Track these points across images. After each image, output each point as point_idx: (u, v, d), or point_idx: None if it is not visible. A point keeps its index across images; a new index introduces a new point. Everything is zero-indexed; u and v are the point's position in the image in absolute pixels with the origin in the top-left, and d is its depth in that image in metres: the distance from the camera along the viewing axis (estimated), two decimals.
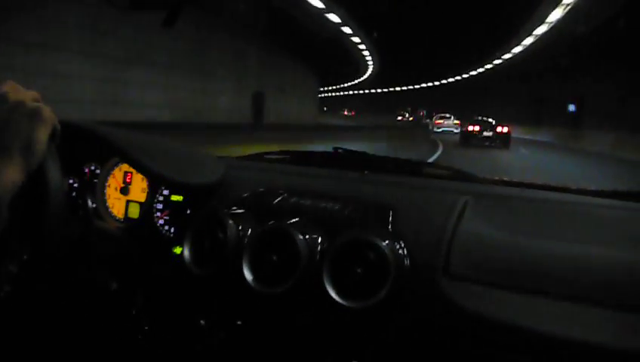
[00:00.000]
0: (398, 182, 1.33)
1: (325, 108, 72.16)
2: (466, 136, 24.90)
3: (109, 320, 1.21)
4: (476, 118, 25.15)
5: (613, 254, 0.94)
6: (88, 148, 1.39)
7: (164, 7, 0.84)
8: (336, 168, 1.47)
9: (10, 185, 0.79)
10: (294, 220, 1.09)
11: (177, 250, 1.22)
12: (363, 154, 1.54)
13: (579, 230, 1.06)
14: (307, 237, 1.04)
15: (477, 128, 24.64)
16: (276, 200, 1.21)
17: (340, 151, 1.60)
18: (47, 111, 0.86)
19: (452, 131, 35.76)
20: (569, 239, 1.01)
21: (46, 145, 0.85)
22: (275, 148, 1.77)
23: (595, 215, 1.13)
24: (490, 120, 24.58)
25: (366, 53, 33.81)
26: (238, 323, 1.11)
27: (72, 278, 1.15)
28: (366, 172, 1.39)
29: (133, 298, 1.24)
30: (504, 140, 23.33)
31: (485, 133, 24.12)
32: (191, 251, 1.14)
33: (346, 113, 78.46)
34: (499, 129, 24.04)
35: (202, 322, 1.15)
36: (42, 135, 0.84)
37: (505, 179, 1.38)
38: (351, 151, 1.58)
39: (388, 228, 1.07)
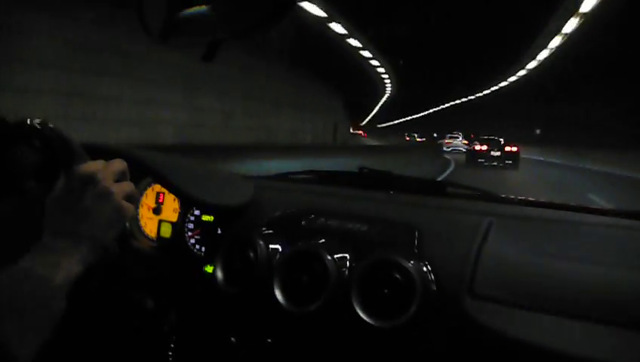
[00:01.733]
0: (423, 203, 1.35)
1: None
2: (472, 155, 24.14)
3: (145, 338, 1.23)
4: (484, 137, 24.31)
5: (631, 274, 0.95)
6: None
7: (199, 43, 0.87)
8: (362, 188, 1.49)
9: (73, 276, 0.76)
10: (323, 241, 1.12)
11: (208, 269, 1.25)
12: (388, 174, 1.56)
13: (603, 251, 1.06)
14: (335, 257, 1.07)
15: (484, 147, 23.82)
16: (304, 221, 1.23)
17: (365, 170, 1.62)
18: (131, 208, 0.84)
19: (460, 150, 38.05)
20: (593, 261, 1.01)
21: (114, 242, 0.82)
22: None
23: (619, 236, 1.14)
24: (498, 138, 23.71)
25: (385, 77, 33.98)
26: (268, 341, 1.13)
27: (110, 297, 1.17)
28: (391, 192, 1.42)
29: (166, 316, 1.27)
30: (513, 160, 22.48)
31: (493, 153, 23.20)
32: (222, 270, 1.17)
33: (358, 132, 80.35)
34: (507, 148, 23.15)
35: (233, 339, 1.18)
36: (114, 230, 0.82)
37: (529, 199, 1.39)
38: (376, 171, 1.60)
39: (414, 249, 1.09)
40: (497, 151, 23.35)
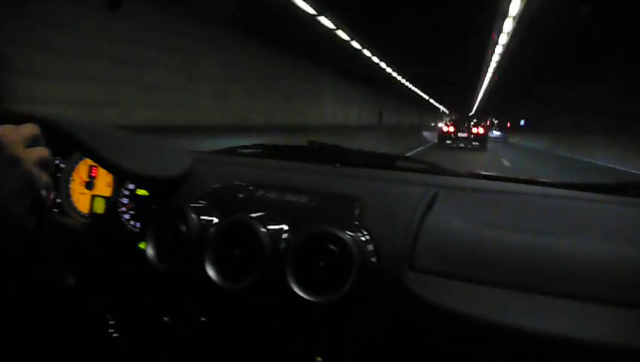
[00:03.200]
0: (370, 176, 1.32)
1: None
2: (441, 137, 24.78)
3: (68, 317, 1.17)
4: (453, 118, 25.16)
5: (577, 244, 0.94)
6: (51, 142, 1.34)
7: None
8: (309, 161, 1.45)
9: None
10: (258, 213, 1.06)
11: (143, 246, 1.19)
12: (336, 147, 1.53)
13: (546, 221, 1.05)
14: (270, 229, 1.02)
15: (452, 129, 24.55)
16: (242, 194, 1.18)
17: (314, 144, 1.58)
18: (43, 176, 0.76)
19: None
20: (536, 231, 1.00)
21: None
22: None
23: (563, 206, 1.13)
24: (466, 119, 24.76)
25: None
26: (202, 319, 1.08)
27: (27, 275, 1.10)
28: (338, 165, 1.38)
29: (96, 295, 1.21)
30: (480, 141, 23.24)
31: (460, 134, 24.01)
32: (154, 246, 1.10)
33: None
34: (474, 130, 23.97)
35: (166, 319, 1.12)
36: (24, 200, 0.73)
37: (477, 172, 1.38)
38: (324, 144, 1.57)
39: (354, 221, 1.05)
40: (465, 132, 23.92)
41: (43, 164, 0.77)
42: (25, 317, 1.14)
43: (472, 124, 25.04)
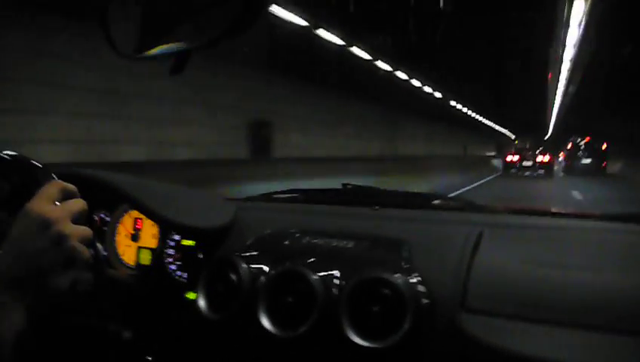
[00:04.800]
0: (408, 216, 1.32)
1: None
2: (505, 166, 24.57)
3: None
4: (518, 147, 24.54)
5: (629, 280, 0.92)
6: (96, 196, 1.41)
7: (171, 56, 0.85)
8: (346, 204, 1.46)
9: (18, 326, 0.70)
10: (308, 261, 1.08)
11: (191, 296, 1.21)
12: (371, 188, 1.54)
13: (593, 256, 1.04)
14: (322, 276, 1.03)
15: (516, 158, 24.29)
16: (289, 241, 1.20)
17: (348, 186, 1.59)
18: (85, 252, 0.76)
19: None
20: (584, 266, 0.99)
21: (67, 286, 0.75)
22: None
23: (607, 240, 1.11)
24: (530, 147, 23.99)
25: None
26: None
27: (85, 328, 1.14)
28: (376, 207, 1.39)
29: (148, 346, 1.22)
30: (546, 169, 22.88)
31: (525, 163, 23.68)
32: (204, 296, 1.13)
33: None
34: (539, 158, 23.54)
35: None
36: (66, 276, 0.74)
37: (515, 207, 1.36)
38: (359, 186, 1.58)
39: (402, 265, 1.05)
40: (529, 160, 23.66)
41: (85, 241, 0.77)
42: None
43: (537, 152, 24.59)
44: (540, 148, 28.74)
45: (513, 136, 62.18)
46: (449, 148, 30.48)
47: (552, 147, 31.59)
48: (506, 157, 26.99)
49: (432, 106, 23.17)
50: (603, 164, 24.63)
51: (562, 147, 28.01)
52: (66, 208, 0.76)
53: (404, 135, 23.59)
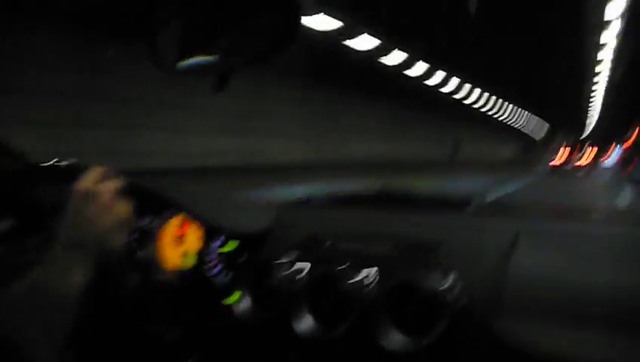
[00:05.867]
0: (444, 221, 1.33)
1: None
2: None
3: None
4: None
5: None
6: (141, 203, 1.46)
7: (214, 73, 0.88)
8: (382, 209, 1.48)
9: (81, 283, 0.83)
10: (345, 264, 1.11)
11: (232, 299, 1.26)
12: (406, 194, 1.55)
13: (632, 261, 1.03)
14: (359, 280, 1.06)
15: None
16: (327, 245, 1.23)
17: (384, 191, 1.61)
18: (122, 205, 0.90)
19: None
20: (626, 272, 0.98)
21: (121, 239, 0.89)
22: None
23: None
24: None
25: None
26: None
27: (133, 330, 1.18)
28: (410, 211, 1.40)
29: (191, 348, 1.27)
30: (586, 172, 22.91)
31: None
32: (246, 298, 1.18)
33: None
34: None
35: None
36: (118, 233, 0.89)
37: (551, 210, 1.36)
38: (394, 191, 1.59)
39: (437, 268, 1.08)
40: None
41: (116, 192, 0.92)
42: None
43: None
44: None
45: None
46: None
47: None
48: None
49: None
50: None
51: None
52: (107, 184, 0.91)
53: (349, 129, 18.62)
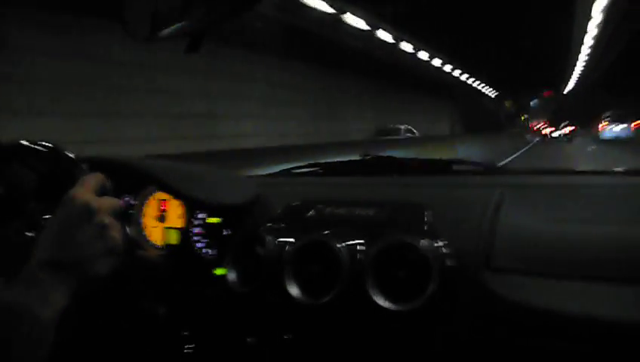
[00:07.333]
0: (429, 182, 1.33)
1: None
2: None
3: (162, 343, 1.23)
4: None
5: None
6: (121, 180, 1.43)
7: (186, 35, 0.86)
8: (366, 174, 1.47)
9: (60, 309, 0.73)
10: (332, 230, 1.10)
11: (219, 272, 1.24)
12: (390, 158, 1.54)
13: (613, 210, 1.05)
14: (346, 245, 1.05)
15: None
16: (311, 212, 1.22)
17: (367, 157, 1.60)
18: (117, 229, 0.80)
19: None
20: (604, 220, 1.00)
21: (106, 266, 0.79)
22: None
23: (627, 194, 1.12)
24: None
25: None
26: (286, 337, 1.12)
27: (121, 308, 1.16)
28: (395, 175, 1.39)
29: (183, 322, 1.26)
30: (568, 138, 30.06)
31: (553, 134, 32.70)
32: (233, 270, 1.16)
33: None
34: (565, 130, 32.00)
35: (250, 340, 1.16)
36: (107, 260, 0.78)
37: (534, 168, 1.37)
38: (378, 156, 1.58)
39: (425, 228, 1.07)
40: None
41: (115, 213, 0.82)
42: (117, 349, 1.21)
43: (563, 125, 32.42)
44: (566, 122, 34.58)
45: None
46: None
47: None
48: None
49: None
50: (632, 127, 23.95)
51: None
52: (107, 201, 0.81)
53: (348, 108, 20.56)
